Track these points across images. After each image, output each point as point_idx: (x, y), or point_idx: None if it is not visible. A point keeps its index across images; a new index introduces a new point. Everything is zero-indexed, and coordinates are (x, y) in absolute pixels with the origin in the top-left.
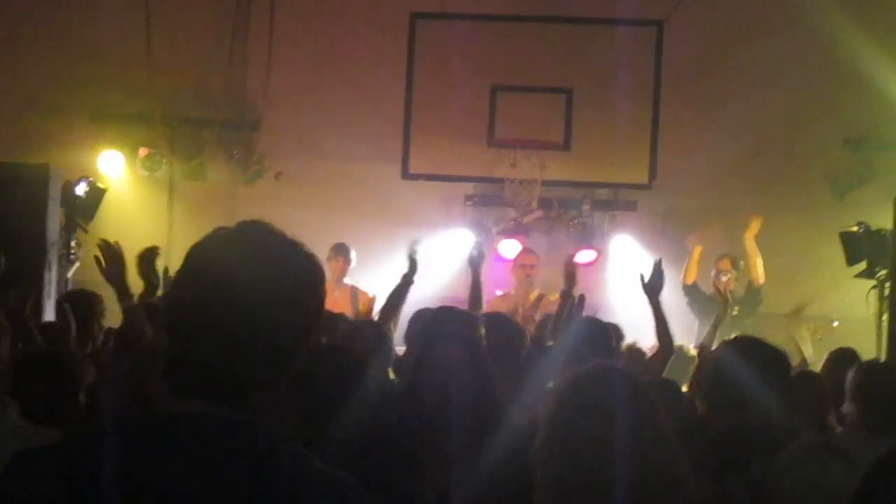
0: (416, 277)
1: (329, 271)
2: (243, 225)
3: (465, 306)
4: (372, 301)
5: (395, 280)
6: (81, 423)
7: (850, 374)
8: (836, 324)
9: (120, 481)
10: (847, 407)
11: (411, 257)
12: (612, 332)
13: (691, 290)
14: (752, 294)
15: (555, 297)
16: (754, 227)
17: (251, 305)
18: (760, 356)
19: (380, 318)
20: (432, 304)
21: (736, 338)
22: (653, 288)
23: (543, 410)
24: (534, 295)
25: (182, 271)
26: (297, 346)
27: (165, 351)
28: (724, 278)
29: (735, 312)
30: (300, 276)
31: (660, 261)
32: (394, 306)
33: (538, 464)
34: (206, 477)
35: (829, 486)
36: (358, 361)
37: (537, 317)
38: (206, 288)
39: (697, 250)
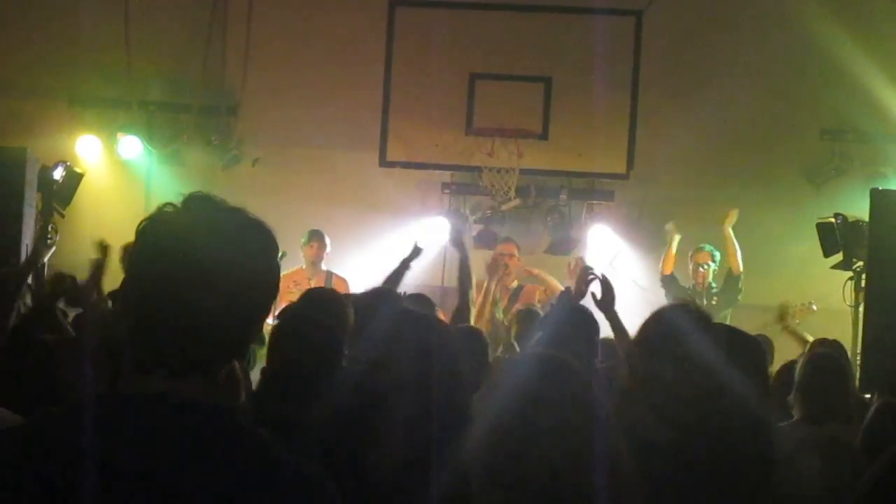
0: (413, 263)
1: (304, 257)
2: (190, 199)
3: (437, 294)
4: (346, 285)
5: (370, 265)
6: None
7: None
8: (814, 307)
9: (85, 464)
10: (791, 398)
11: (416, 246)
12: (593, 324)
13: (669, 281)
14: (731, 283)
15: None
16: (731, 217)
17: (206, 276)
18: (730, 344)
19: None
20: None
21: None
22: (606, 304)
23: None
24: (514, 284)
25: (135, 248)
26: (255, 315)
27: (128, 329)
28: (701, 270)
29: (714, 302)
30: (251, 244)
31: (605, 277)
32: (396, 282)
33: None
34: (171, 459)
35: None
36: (334, 340)
37: (516, 308)
38: (161, 262)
39: (675, 240)
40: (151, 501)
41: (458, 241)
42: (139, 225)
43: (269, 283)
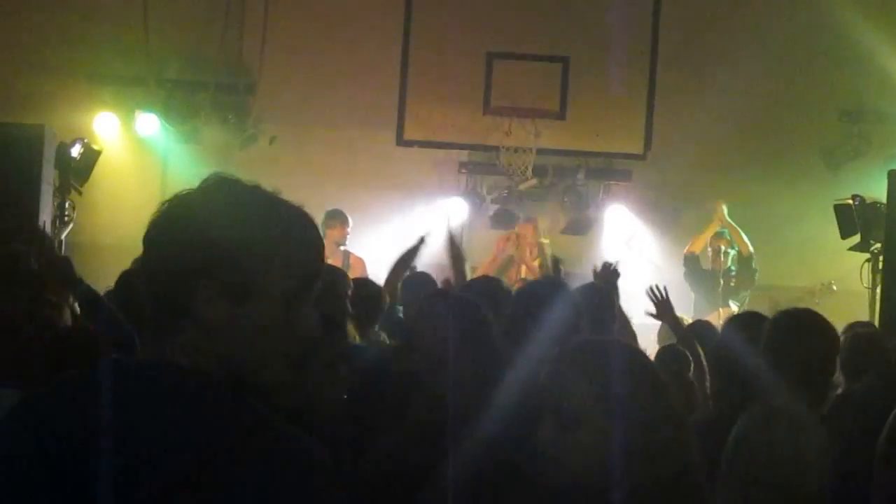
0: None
1: (326, 237)
2: (207, 180)
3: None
4: (363, 265)
5: (388, 244)
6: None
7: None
8: (835, 287)
9: (86, 436)
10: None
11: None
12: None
13: (692, 261)
14: (745, 265)
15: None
16: (719, 210)
17: (225, 255)
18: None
19: (388, 279)
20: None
21: (736, 315)
22: (663, 314)
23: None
24: (537, 262)
25: (150, 232)
26: (292, 294)
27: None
28: (720, 254)
29: (732, 284)
30: (274, 222)
31: (656, 288)
32: (403, 268)
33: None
34: (172, 430)
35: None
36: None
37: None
38: (174, 244)
39: (716, 225)
40: (153, 469)
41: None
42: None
43: (299, 260)
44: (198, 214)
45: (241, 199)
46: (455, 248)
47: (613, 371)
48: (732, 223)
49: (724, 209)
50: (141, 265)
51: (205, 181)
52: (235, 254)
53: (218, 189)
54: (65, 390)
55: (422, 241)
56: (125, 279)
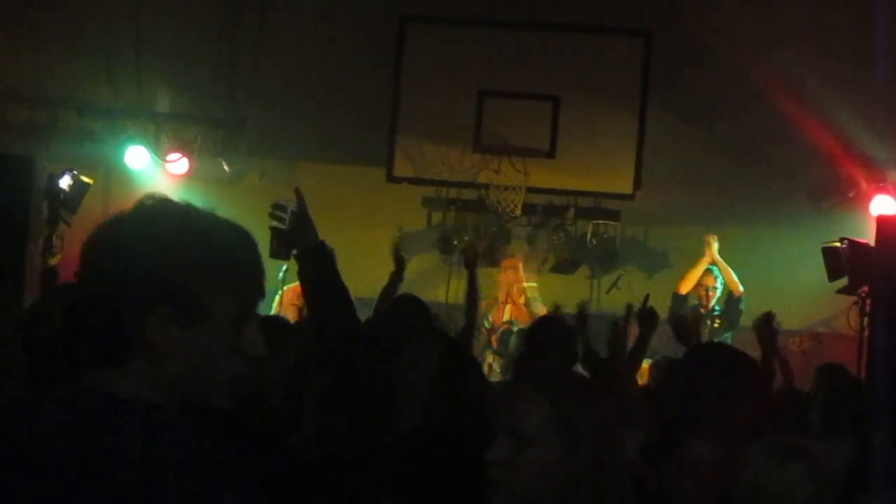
0: (405, 275)
1: None
2: (150, 202)
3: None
4: None
5: (377, 281)
6: None
7: None
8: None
9: (16, 464)
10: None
11: (398, 255)
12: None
13: (678, 302)
14: (733, 305)
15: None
16: (712, 245)
17: (116, 263)
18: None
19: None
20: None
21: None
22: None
23: None
24: (522, 300)
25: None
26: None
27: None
28: (707, 293)
29: (717, 325)
30: (183, 232)
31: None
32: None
33: None
34: (93, 455)
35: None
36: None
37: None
38: (86, 262)
39: (706, 260)
40: (71, 494)
41: (471, 262)
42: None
43: (246, 281)
44: (142, 239)
45: (185, 221)
46: (473, 291)
47: (571, 395)
48: (722, 261)
49: (715, 245)
50: (78, 294)
51: (140, 204)
52: (184, 278)
53: (159, 212)
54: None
55: (401, 263)
56: (34, 312)
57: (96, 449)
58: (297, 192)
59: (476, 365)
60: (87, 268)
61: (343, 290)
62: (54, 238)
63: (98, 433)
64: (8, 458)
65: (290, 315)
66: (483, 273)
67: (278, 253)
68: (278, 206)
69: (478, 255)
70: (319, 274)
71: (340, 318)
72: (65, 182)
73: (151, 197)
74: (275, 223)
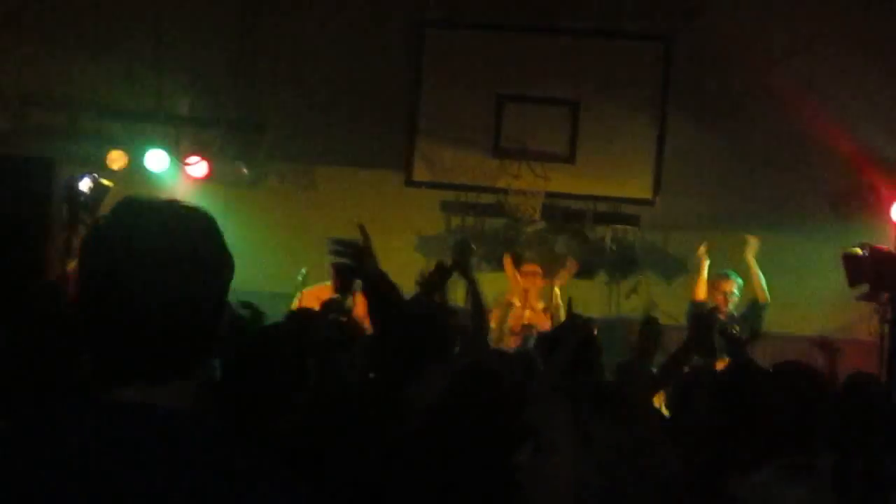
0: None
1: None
2: (116, 208)
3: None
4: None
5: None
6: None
7: None
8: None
9: (58, 477)
10: None
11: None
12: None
13: (697, 307)
14: (756, 312)
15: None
16: (752, 246)
17: (142, 279)
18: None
19: None
20: None
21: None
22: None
23: None
24: (541, 305)
25: (78, 271)
26: (219, 308)
27: (85, 333)
28: (725, 298)
29: (736, 331)
30: (183, 235)
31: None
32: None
33: None
34: (149, 473)
35: None
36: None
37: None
38: (100, 279)
39: (706, 265)
40: None
41: (463, 256)
42: (87, 234)
43: (224, 272)
44: (181, 252)
45: (196, 220)
46: (476, 298)
47: (594, 408)
48: (756, 267)
49: (755, 246)
50: (120, 307)
51: (141, 209)
52: (227, 278)
53: (172, 216)
54: (40, 426)
55: (466, 247)
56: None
57: (162, 467)
58: (362, 229)
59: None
60: (124, 281)
61: (407, 314)
62: (73, 241)
63: (162, 450)
64: (56, 479)
65: None
66: (501, 278)
67: (343, 288)
68: (338, 242)
69: (470, 250)
70: (384, 301)
71: (404, 341)
72: (85, 185)
73: (134, 198)
74: (336, 259)
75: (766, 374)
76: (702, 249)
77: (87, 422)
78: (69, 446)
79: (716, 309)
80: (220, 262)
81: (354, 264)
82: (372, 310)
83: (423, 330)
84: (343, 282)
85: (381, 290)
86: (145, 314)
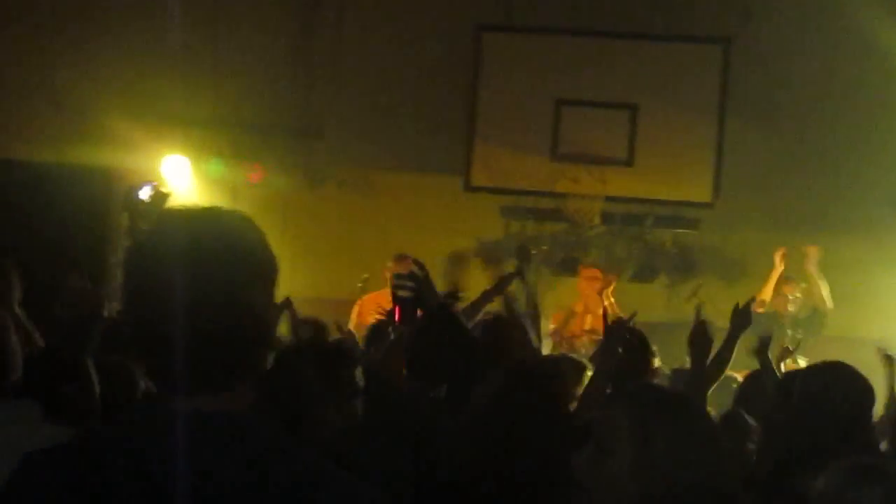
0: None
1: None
2: (161, 219)
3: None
4: None
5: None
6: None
7: None
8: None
9: (133, 484)
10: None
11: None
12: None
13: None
14: (817, 318)
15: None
16: (812, 256)
17: (196, 291)
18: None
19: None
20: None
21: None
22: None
23: None
24: (601, 310)
25: (124, 285)
26: (266, 315)
27: (138, 346)
28: (786, 300)
29: (799, 335)
30: (231, 243)
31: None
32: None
33: None
34: (221, 479)
35: None
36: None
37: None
38: (151, 293)
39: (778, 270)
40: None
41: (523, 270)
42: (121, 265)
43: (253, 275)
44: (240, 264)
45: (246, 228)
46: (533, 301)
47: (654, 412)
48: (817, 276)
49: (815, 257)
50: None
51: (190, 219)
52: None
53: (238, 224)
54: (121, 433)
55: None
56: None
57: (230, 471)
58: (418, 263)
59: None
60: (179, 291)
61: (467, 346)
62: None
63: (229, 455)
64: (128, 489)
65: (369, 322)
66: (561, 283)
67: (405, 320)
68: (401, 277)
69: (529, 255)
70: (445, 330)
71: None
72: (144, 193)
73: (174, 213)
74: (400, 292)
75: (810, 373)
76: (778, 255)
77: (154, 431)
78: (138, 456)
79: (773, 314)
80: (269, 265)
81: (416, 297)
82: (431, 338)
83: (487, 352)
84: (405, 314)
85: (440, 321)
86: (202, 323)
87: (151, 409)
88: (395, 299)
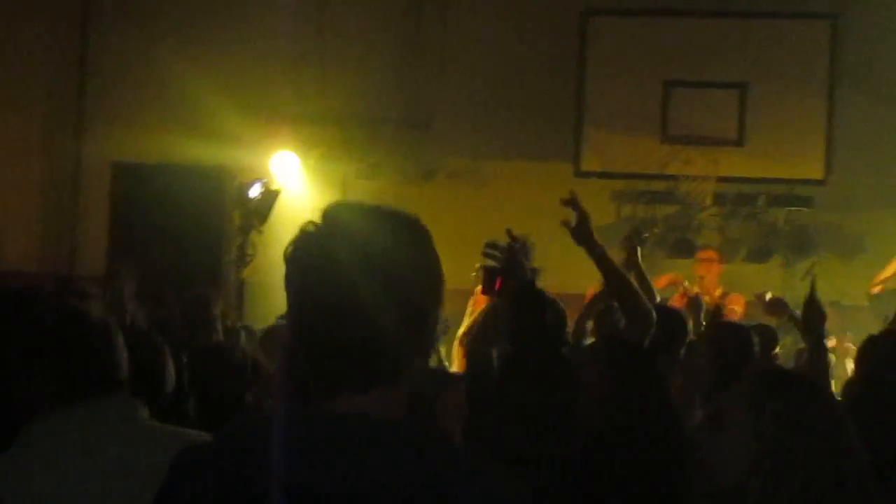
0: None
1: None
2: (327, 212)
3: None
4: None
5: (571, 276)
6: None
7: None
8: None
9: (284, 485)
10: None
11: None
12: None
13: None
14: None
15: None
16: None
17: (363, 290)
18: None
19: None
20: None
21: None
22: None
23: None
24: (718, 292)
25: (288, 276)
26: (421, 316)
27: (296, 351)
28: None
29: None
30: (397, 243)
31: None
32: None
33: None
34: (374, 481)
35: None
36: None
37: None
38: (315, 288)
39: None
40: None
41: (634, 255)
42: (285, 251)
43: (425, 278)
44: (389, 252)
45: (404, 226)
46: (645, 284)
47: (767, 387)
48: None
49: None
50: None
51: (346, 215)
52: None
53: (384, 222)
54: (251, 437)
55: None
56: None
57: (381, 474)
58: (510, 233)
59: None
60: (349, 290)
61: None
62: (246, 247)
63: (378, 458)
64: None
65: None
66: (676, 265)
67: (490, 289)
68: (490, 245)
69: (640, 239)
70: (528, 307)
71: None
72: (255, 191)
73: (346, 204)
74: (488, 262)
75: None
76: None
77: (299, 433)
78: (283, 454)
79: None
80: (430, 268)
81: (503, 267)
82: (516, 314)
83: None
84: (489, 283)
85: (526, 296)
86: (364, 324)
87: (289, 412)
88: (483, 268)
